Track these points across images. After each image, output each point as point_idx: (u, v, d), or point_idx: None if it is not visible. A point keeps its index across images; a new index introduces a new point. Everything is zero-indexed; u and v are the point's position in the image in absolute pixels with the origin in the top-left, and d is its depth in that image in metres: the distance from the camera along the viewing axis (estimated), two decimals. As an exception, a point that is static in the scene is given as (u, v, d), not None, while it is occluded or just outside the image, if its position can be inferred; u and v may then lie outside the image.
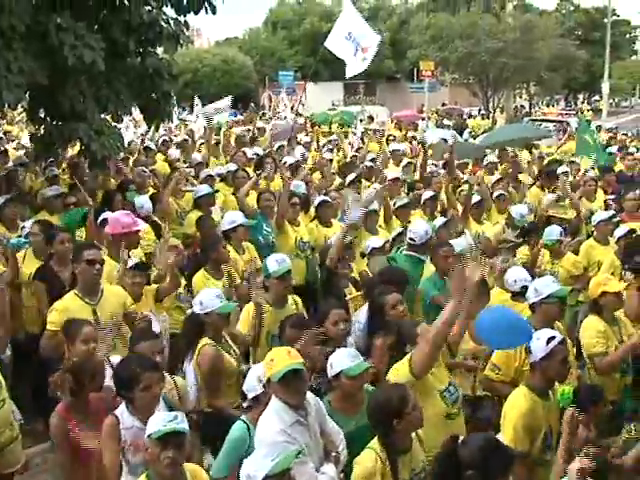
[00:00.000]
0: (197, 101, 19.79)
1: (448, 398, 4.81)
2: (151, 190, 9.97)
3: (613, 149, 15.17)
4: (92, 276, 5.86)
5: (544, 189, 11.28)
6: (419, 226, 7.56)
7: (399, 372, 4.65)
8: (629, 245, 7.65)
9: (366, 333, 5.85)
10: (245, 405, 4.57)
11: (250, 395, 4.51)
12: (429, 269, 7.11)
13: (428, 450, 4.30)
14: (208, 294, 5.64)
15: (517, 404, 4.62)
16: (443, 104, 40.62)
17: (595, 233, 8.57)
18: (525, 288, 6.21)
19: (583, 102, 58.30)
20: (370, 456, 4.05)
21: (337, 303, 5.93)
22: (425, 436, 4.31)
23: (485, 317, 5.06)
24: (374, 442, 4.11)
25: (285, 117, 21.59)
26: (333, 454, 4.28)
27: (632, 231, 8.01)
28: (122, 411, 4.38)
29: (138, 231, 7.13)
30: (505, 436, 4.50)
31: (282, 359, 4.25)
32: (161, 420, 3.74)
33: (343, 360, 4.58)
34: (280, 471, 3.50)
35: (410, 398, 4.09)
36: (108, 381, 4.74)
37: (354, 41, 12.52)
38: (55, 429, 4.50)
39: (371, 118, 24.25)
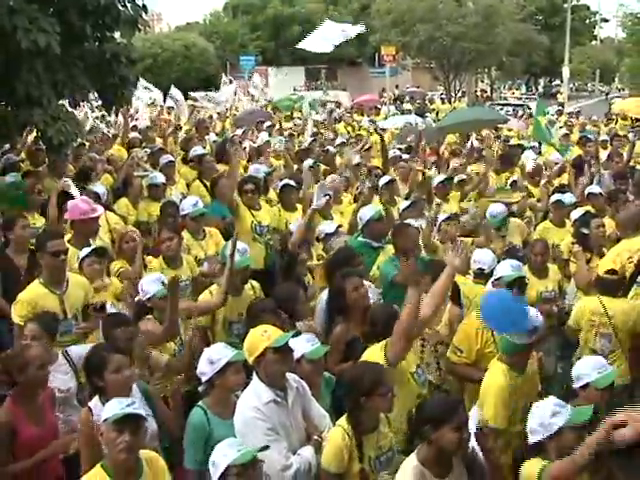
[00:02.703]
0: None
1: (418, 380, 4.99)
2: (105, 176, 9.94)
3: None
4: (57, 267, 5.79)
5: (499, 174, 11.38)
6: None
7: (373, 358, 4.72)
8: (579, 220, 7.92)
9: (326, 317, 5.92)
10: (201, 390, 4.53)
11: (203, 379, 4.48)
12: (387, 252, 7.11)
13: (397, 431, 4.46)
14: (147, 279, 5.80)
15: (497, 381, 4.79)
16: (396, 86, 40.60)
17: (551, 215, 8.70)
18: (484, 270, 6.41)
19: (556, 86, 58.74)
20: (338, 433, 4.16)
21: (296, 286, 6.05)
22: (396, 416, 4.43)
23: (491, 301, 5.08)
24: (343, 419, 4.23)
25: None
26: (314, 437, 4.29)
27: (588, 213, 8.14)
28: (95, 403, 4.37)
29: (96, 218, 7.06)
30: (486, 412, 4.70)
31: (277, 330, 4.32)
32: (118, 404, 3.74)
33: (303, 344, 4.61)
34: (243, 462, 3.61)
35: (383, 382, 4.18)
36: (62, 377, 4.78)
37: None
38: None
39: (338, 105, 24.36)
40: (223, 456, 3.66)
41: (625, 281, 6.53)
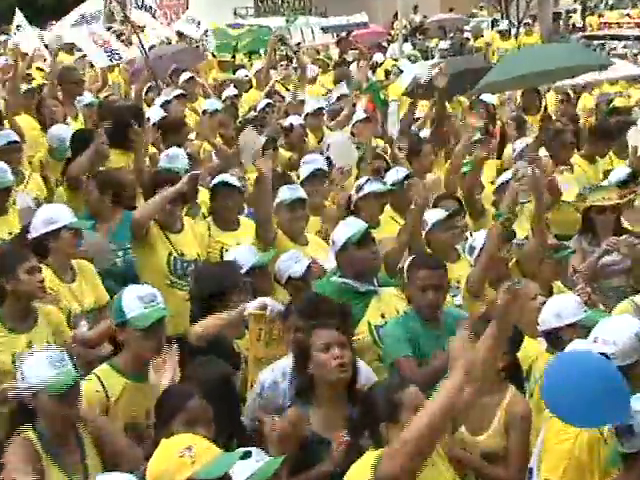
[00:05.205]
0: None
1: None
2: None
3: None
4: None
5: (594, 160, 11.79)
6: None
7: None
8: None
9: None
10: None
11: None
12: (385, 300, 7.34)
13: None
14: (33, 362, 5.60)
15: None
16: (415, 8, 40.13)
17: None
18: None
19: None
20: None
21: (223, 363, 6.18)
22: None
23: (558, 375, 5.17)
24: None
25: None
26: None
27: None
28: None
29: None
30: None
31: (208, 448, 4.10)
32: None
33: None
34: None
35: None
36: None
37: None
38: None
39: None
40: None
41: None
